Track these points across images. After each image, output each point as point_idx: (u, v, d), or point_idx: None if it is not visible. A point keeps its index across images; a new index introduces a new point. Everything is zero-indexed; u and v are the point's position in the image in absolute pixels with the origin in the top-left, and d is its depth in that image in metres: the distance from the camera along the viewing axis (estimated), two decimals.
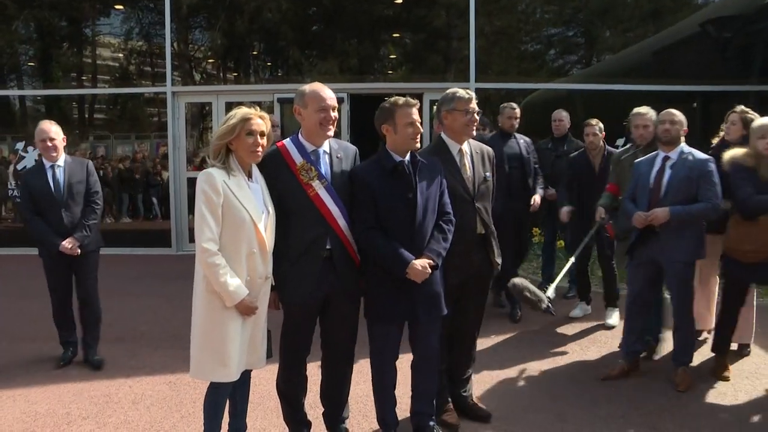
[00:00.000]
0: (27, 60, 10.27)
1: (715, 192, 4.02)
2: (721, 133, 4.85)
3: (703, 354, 4.69)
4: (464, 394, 3.77)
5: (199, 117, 10.33)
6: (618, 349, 4.66)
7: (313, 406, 3.57)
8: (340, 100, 3.18)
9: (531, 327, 5.50)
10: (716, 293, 4.93)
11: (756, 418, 3.75)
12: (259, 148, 2.89)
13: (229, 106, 9.19)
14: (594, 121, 5.43)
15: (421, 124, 3.18)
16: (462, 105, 3.42)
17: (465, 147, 3.52)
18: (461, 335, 3.69)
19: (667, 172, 4.14)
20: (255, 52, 10.22)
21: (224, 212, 2.81)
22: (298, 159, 3.09)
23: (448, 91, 3.51)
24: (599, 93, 9.42)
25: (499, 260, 3.61)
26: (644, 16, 9.90)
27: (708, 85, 9.26)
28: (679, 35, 9.77)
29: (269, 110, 9.06)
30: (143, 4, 10.04)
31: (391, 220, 3.09)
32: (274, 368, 3.36)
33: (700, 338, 4.92)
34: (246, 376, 3.12)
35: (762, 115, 4.35)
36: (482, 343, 4.32)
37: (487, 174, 3.56)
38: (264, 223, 2.92)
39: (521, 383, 4.30)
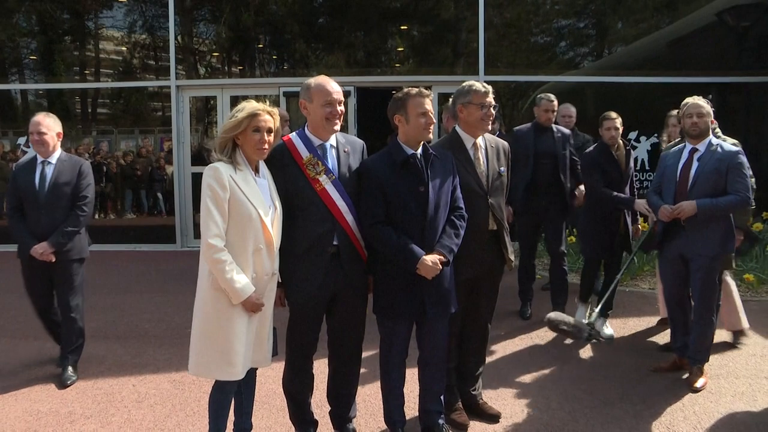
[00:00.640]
0: (29, 53, 10.29)
1: (746, 184, 3.98)
2: (664, 137, 5.40)
3: (722, 354, 4.68)
4: (474, 392, 3.76)
5: (204, 111, 10.34)
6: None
7: (320, 405, 3.57)
8: (346, 94, 3.17)
9: (541, 325, 5.44)
10: (734, 290, 4.89)
11: None
12: (266, 146, 2.88)
13: (235, 100, 9.29)
14: (614, 115, 5.11)
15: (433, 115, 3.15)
16: (478, 98, 3.39)
17: (480, 141, 3.50)
18: (471, 333, 3.67)
19: (695, 165, 4.10)
20: (260, 45, 10.21)
21: (231, 208, 2.80)
22: (304, 153, 3.08)
23: (464, 84, 3.49)
24: (611, 86, 9.38)
25: (512, 257, 3.59)
26: (658, 6, 9.82)
27: (725, 76, 9.20)
28: (694, 25, 9.69)
29: (275, 104, 9.06)
30: None
31: (402, 215, 3.07)
32: (279, 366, 3.36)
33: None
34: (251, 374, 3.12)
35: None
36: (492, 341, 4.31)
37: (502, 169, 3.53)
38: (271, 219, 2.91)
39: (531, 382, 4.27)
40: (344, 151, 3.17)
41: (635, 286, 6.90)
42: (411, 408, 3.55)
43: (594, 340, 4.52)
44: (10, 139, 10.07)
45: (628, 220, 5.15)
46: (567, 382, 4.25)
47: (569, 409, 3.83)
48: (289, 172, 3.07)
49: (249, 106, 2.87)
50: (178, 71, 9.51)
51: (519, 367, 4.53)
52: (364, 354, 3.40)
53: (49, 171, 4.36)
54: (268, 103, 2.94)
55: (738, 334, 4.90)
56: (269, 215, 2.90)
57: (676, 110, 4.98)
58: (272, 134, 2.92)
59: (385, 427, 3.45)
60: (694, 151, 4.14)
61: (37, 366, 4.62)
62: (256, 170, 2.96)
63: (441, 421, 3.37)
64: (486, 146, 3.52)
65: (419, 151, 3.14)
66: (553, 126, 5.69)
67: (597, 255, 5.25)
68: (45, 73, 10.13)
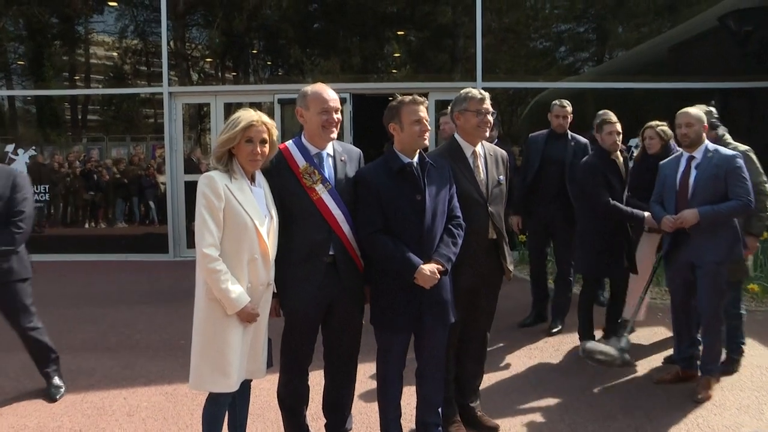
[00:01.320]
0: (16, 59, 10.28)
1: (746, 188, 4.02)
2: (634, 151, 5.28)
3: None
4: (472, 405, 3.77)
5: (197, 118, 10.36)
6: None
7: (315, 418, 3.58)
8: (342, 101, 3.20)
9: (541, 337, 5.49)
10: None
11: None
12: (258, 157, 2.91)
13: (228, 108, 9.33)
14: (614, 118, 4.79)
15: (428, 122, 3.18)
16: (474, 105, 3.43)
17: (478, 149, 3.53)
18: (470, 344, 3.69)
19: (693, 173, 4.15)
20: (254, 51, 10.24)
21: (226, 217, 2.83)
22: (301, 162, 3.11)
23: (461, 91, 3.53)
24: (612, 92, 9.42)
25: (511, 267, 3.62)
26: (659, 10, 9.87)
27: (727, 81, 9.24)
28: (696, 29, 9.73)
29: (269, 111, 9.09)
30: (138, 0, 10.07)
31: (399, 224, 3.10)
32: (274, 378, 3.37)
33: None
34: (246, 386, 3.13)
35: None
36: (490, 353, 4.31)
37: (501, 178, 3.57)
38: (266, 229, 2.93)
39: (531, 394, 4.28)
40: (341, 160, 3.20)
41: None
42: (408, 420, 3.56)
43: (628, 366, 4.56)
44: None
45: (632, 235, 4.89)
46: (567, 394, 4.26)
47: (569, 421, 3.84)
48: (285, 181, 3.10)
49: (243, 117, 2.89)
50: (171, 77, 9.53)
51: (518, 379, 4.54)
52: (361, 365, 3.42)
53: None
54: (262, 115, 2.95)
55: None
56: (265, 225, 2.92)
57: (656, 122, 5.05)
58: (267, 144, 2.94)
59: None
60: (691, 159, 4.19)
61: (25, 379, 4.60)
62: (252, 179, 2.99)
63: None
64: (485, 154, 3.56)
65: (415, 159, 3.17)
66: (570, 134, 5.71)
67: (596, 274, 5.00)
68: (33, 79, 10.13)
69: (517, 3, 9.98)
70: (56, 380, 4.35)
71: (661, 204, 4.33)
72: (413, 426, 3.48)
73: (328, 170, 3.15)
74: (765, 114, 9.55)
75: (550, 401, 4.15)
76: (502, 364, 4.84)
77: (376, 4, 9.90)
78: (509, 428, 3.74)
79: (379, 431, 3.43)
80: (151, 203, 9.87)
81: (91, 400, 4.24)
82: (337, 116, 3.12)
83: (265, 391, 4.08)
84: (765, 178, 4.49)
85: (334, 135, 3.15)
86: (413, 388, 3.42)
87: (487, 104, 3.46)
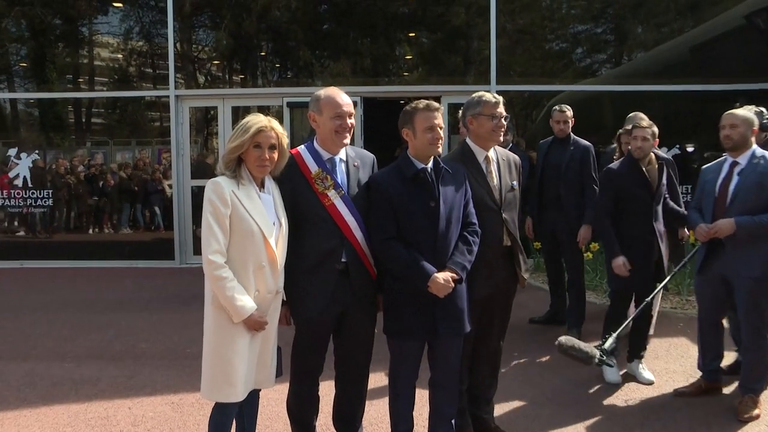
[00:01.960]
0: (18, 60, 10.36)
1: None
2: (616, 154, 5.14)
3: None
4: (486, 416, 3.77)
5: (204, 122, 10.41)
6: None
7: (325, 429, 3.59)
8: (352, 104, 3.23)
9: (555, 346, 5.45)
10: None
11: None
12: (267, 163, 2.93)
13: (236, 111, 9.39)
14: (646, 122, 4.55)
15: (442, 129, 3.20)
16: (488, 109, 3.45)
17: (491, 154, 3.55)
18: (483, 354, 3.70)
19: (735, 179, 4.02)
20: (263, 53, 10.29)
21: (232, 224, 2.86)
22: (313, 167, 3.15)
23: (474, 95, 3.55)
24: (631, 94, 9.35)
25: (526, 275, 3.63)
26: (681, 9, 9.78)
27: (754, 83, 9.02)
28: (720, 28, 9.58)
29: (278, 114, 9.12)
30: (144, 1, 10.18)
31: (412, 231, 3.12)
32: (283, 388, 3.40)
33: None
34: (254, 395, 3.15)
35: None
36: (505, 363, 4.31)
37: (514, 183, 3.58)
38: (275, 236, 2.96)
39: (546, 406, 4.28)
40: (354, 165, 3.24)
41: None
42: None
43: (604, 366, 4.48)
44: None
45: (662, 245, 4.68)
46: (584, 407, 4.26)
47: None
48: (296, 186, 3.13)
49: (252, 123, 2.91)
50: (177, 80, 9.60)
51: (534, 390, 4.54)
52: (372, 375, 3.44)
53: None
54: (271, 120, 2.97)
55: None
56: (273, 232, 2.95)
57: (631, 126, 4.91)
58: (275, 151, 2.96)
59: None
60: (734, 164, 4.05)
61: (26, 388, 4.64)
62: (262, 185, 3.02)
63: None
64: (498, 159, 3.58)
65: (430, 165, 3.19)
66: (573, 138, 5.77)
67: (627, 289, 4.66)
68: (36, 81, 10.22)
69: (533, 3, 9.97)
70: None
71: (700, 211, 4.21)
72: None
73: (340, 175, 3.18)
74: None
75: (567, 414, 4.15)
76: (516, 375, 4.84)
77: (387, 5, 9.92)
78: None
79: None
80: (157, 209, 9.92)
81: (95, 410, 4.26)
82: (351, 121, 3.16)
83: (274, 401, 4.10)
84: None
85: (348, 140, 3.19)
86: (425, 399, 3.43)
87: (501, 108, 3.48)
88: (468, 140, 3.57)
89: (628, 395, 4.43)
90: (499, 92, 8.51)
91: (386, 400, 3.41)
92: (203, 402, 4.08)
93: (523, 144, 9.04)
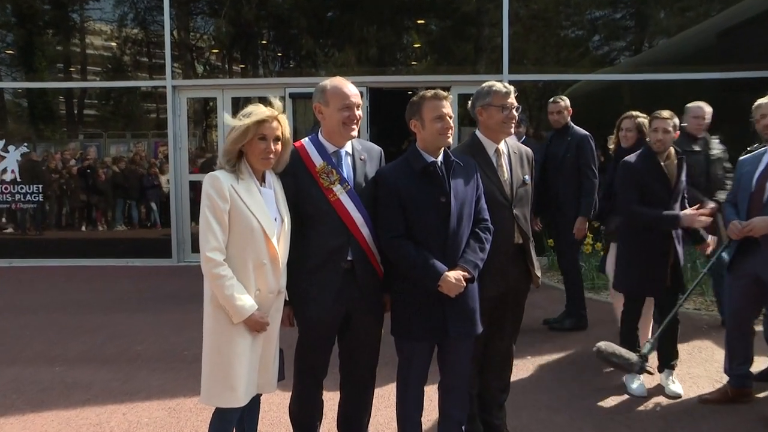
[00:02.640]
0: (5, 47, 10.33)
1: None
2: (611, 144, 5.26)
3: None
4: (497, 422, 3.77)
5: (203, 114, 10.43)
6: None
7: None
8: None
9: (571, 348, 5.48)
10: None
11: None
12: (271, 155, 2.94)
13: (236, 102, 9.40)
14: (666, 113, 4.44)
15: (452, 119, 3.20)
16: (499, 100, 3.45)
17: (502, 146, 3.55)
18: (494, 356, 3.71)
19: None
20: (264, 42, 10.30)
21: (231, 219, 2.87)
22: (318, 161, 3.15)
23: (483, 85, 3.55)
24: (652, 84, 9.30)
25: (539, 273, 3.64)
26: None
27: None
28: (749, 12, 9.45)
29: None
30: None
31: (422, 228, 3.12)
32: (286, 392, 3.41)
33: None
34: (255, 400, 3.15)
35: None
36: (518, 366, 4.31)
37: (526, 177, 3.58)
38: (277, 233, 2.97)
39: (561, 411, 4.27)
40: (360, 159, 3.25)
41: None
42: None
43: (628, 377, 4.53)
44: None
45: (679, 248, 4.52)
46: (602, 413, 4.25)
47: None
48: (300, 181, 3.14)
49: (256, 112, 2.92)
50: (174, 70, 9.61)
51: (548, 395, 4.53)
52: (379, 379, 3.45)
53: None
54: (276, 108, 2.97)
55: None
56: (274, 228, 2.96)
57: (635, 113, 4.98)
58: (279, 142, 2.97)
59: None
60: None
61: (13, 394, 4.62)
62: (263, 179, 3.02)
63: None
64: (509, 152, 3.58)
65: (440, 158, 3.19)
66: (573, 128, 5.89)
67: (639, 292, 4.61)
68: (24, 70, 10.22)
69: None
70: None
71: (736, 206, 4.13)
72: None
73: (346, 170, 3.19)
74: None
75: (583, 421, 4.14)
76: (529, 379, 4.85)
77: None
78: None
79: None
80: (153, 205, 9.96)
81: (87, 417, 4.26)
82: (359, 112, 3.17)
83: (276, 406, 4.12)
84: None
85: (355, 133, 3.20)
86: (434, 404, 3.44)
87: (513, 99, 3.48)
88: (478, 132, 3.57)
89: (649, 402, 4.41)
90: (511, 82, 8.42)
91: (393, 405, 3.41)
92: (201, 407, 4.10)
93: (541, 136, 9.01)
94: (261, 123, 2.90)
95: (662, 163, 4.42)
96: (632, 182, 4.45)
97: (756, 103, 4.37)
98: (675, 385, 4.56)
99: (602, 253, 5.98)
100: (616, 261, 4.82)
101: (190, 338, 5.55)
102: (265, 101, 2.98)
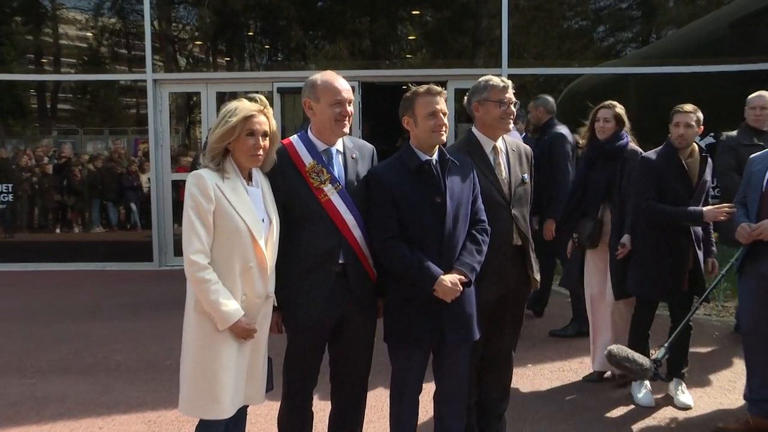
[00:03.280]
0: None
1: None
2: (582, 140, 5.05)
3: None
4: None
5: (186, 109, 10.42)
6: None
7: None
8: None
9: (575, 356, 5.49)
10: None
11: None
12: (260, 152, 2.96)
13: (221, 97, 9.39)
14: (689, 107, 4.41)
15: (446, 115, 3.22)
16: (496, 95, 3.48)
17: (499, 144, 3.58)
18: (493, 364, 3.73)
19: None
20: (251, 33, 10.30)
21: (216, 220, 2.88)
22: (307, 159, 3.17)
23: (480, 79, 3.58)
24: (661, 77, 9.32)
25: (538, 276, 3.66)
26: None
27: None
28: (764, 0, 9.41)
29: (267, 101, 9.12)
30: None
31: (416, 229, 3.15)
32: (274, 403, 3.42)
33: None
34: (241, 412, 3.15)
35: None
36: (517, 374, 4.33)
37: (525, 176, 3.61)
38: (265, 234, 2.99)
39: (564, 423, 4.29)
40: (352, 157, 3.27)
41: None
42: None
43: (635, 386, 4.54)
44: None
45: (699, 253, 4.48)
46: (607, 424, 4.27)
47: None
48: (289, 181, 3.16)
49: (241, 107, 2.93)
50: (155, 62, 9.59)
51: (550, 406, 4.55)
52: (371, 388, 3.47)
53: None
54: (262, 102, 3.00)
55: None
56: (262, 230, 2.97)
57: (612, 102, 4.82)
58: (267, 138, 2.99)
59: None
60: None
61: None
62: (249, 178, 3.04)
63: None
64: (507, 150, 3.61)
65: (435, 156, 3.22)
66: (552, 127, 6.06)
67: (653, 296, 4.59)
68: None
69: None
70: None
71: (746, 206, 4.01)
72: None
73: (337, 169, 3.21)
74: None
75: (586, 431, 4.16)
76: (530, 387, 4.87)
77: None
78: None
79: None
80: (133, 205, 9.95)
81: (61, 431, 4.25)
82: (350, 108, 3.19)
83: (263, 418, 4.13)
84: None
85: (347, 130, 3.22)
86: (430, 414, 3.46)
87: (510, 93, 3.51)
88: (474, 129, 3.60)
89: (657, 414, 4.41)
90: (511, 76, 8.37)
91: (387, 416, 3.43)
92: (183, 420, 4.09)
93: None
94: (248, 118, 2.91)
95: (684, 161, 4.39)
96: (650, 178, 4.41)
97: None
98: (685, 396, 4.53)
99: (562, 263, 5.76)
100: (633, 262, 4.59)
101: (171, 347, 5.53)
102: (249, 98, 2.99)
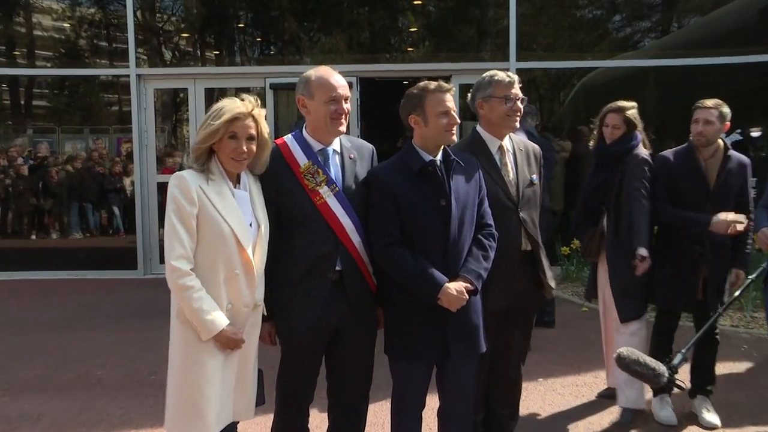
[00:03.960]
0: None
1: None
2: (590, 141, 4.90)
3: None
4: None
5: (172, 107, 10.42)
6: None
7: None
8: (348, 86, 3.28)
9: (590, 368, 5.49)
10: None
11: None
12: (243, 156, 2.97)
13: (210, 94, 9.41)
14: (710, 102, 4.34)
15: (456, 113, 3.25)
16: (501, 90, 3.51)
17: (506, 143, 3.61)
18: (501, 377, 3.75)
19: None
20: (241, 25, 10.30)
21: (200, 225, 2.90)
22: (302, 160, 3.20)
23: (484, 75, 3.60)
24: (681, 69, 9.28)
25: (552, 282, 3.67)
26: None
27: None
28: None
29: (260, 98, 9.11)
30: None
31: (419, 234, 3.16)
32: (266, 419, 3.44)
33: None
34: (231, 428, 3.16)
35: None
36: (526, 389, 4.34)
37: (534, 177, 3.63)
38: (252, 240, 3.01)
39: None
40: (350, 158, 3.29)
41: None
42: None
43: (675, 390, 4.46)
44: None
45: (718, 261, 4.43)
46: None
47: None
48: (282, 183, 3.18)
49: (229, 107, 2.95)
50: (139, 56, 9.61)
51: (562, 423, 4.56)
52: (371, 403, 3.47)
53: None
54: (253, 103, 3.01)
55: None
56: (249, 235, 2.99)
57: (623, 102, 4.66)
58: (254, 142, 3.00)
59: None
60: None
61: None
62: (237, 180, 3.06)
63: None
64: (514, 149, 3.63)
65: (439, 156, 3.24)
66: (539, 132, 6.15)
67: (673, 306, 4.56)
68: None
69: None
70: None
71: None
72: None
73: (334, 170, 3.23)
74: None
75: None
76: (540, 402, 4.87)
77: None
78: None
79: None
80: (116, 209, 9.96)
81: None
82: (347, 105, 3.21)
83: None
84: None
85: (344, 128, 3.23)
86: (435, 430, 3.47)
87: (517, 89, 3.53)
88: (479, 127, 3.62)
89: (668, 428, 4.41)
90: (520, 70, 8.51)
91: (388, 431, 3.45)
92: None
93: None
94: (232, 121, 2.92)
95: (703, 161, 4.34)
96: (662, 177, 4.39)
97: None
98: (711, 414, 4.48)
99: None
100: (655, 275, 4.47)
101: (156, 360, 5.55)
102: (239, 96, 3.02)
